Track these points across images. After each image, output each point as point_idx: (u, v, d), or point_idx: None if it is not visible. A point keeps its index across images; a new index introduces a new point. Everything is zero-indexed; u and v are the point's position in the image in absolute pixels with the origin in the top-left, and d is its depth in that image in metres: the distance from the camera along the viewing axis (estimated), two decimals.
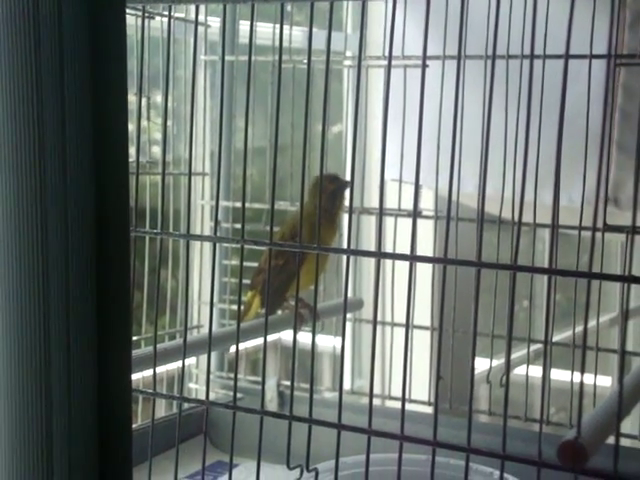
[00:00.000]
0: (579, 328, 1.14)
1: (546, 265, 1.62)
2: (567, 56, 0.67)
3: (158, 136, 1.26)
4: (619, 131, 1.16)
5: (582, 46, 0.99)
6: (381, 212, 0.73)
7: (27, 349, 0.56)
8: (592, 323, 1.15)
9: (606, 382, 1.85)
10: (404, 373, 0.71)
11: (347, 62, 1.33)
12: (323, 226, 0.86)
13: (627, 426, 1.12)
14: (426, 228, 1.24)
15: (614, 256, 1.82)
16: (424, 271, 0.72)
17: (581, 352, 0.67)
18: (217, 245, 1.02)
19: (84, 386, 0.57)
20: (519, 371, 1.19)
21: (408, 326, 0.70)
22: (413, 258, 0.70)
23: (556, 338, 1.43)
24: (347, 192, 1.12)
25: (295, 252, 1.00)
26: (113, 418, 0.59)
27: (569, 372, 1.08)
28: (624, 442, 0.99)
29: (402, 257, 0.71)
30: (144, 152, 1.12)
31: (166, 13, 1.06)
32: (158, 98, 1.25)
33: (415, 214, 0.71)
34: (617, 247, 1.70)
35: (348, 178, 1.35)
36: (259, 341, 1.04)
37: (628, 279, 0.62)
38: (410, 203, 1.26)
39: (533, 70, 0.68)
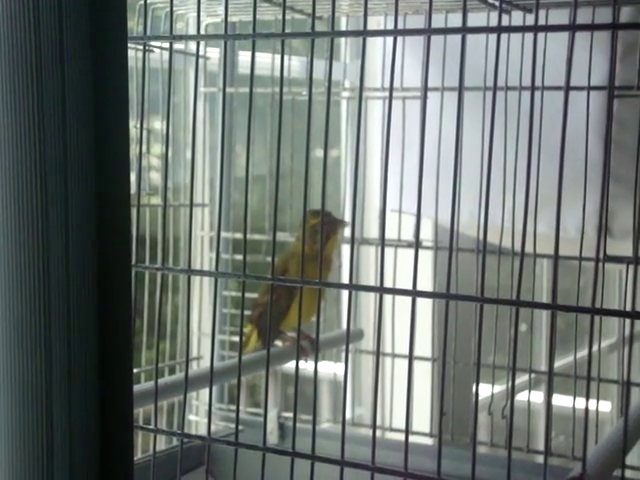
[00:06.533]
0: (580, 354, 1.14)
1: (545, 292, 1.60)
2: (567, 88, 0.67)
3: (154, 161, 1.26)
4: (613, 161, 1.16)
5: (579, 77, 0.99)
6: (382, 246, 0.73)
7: (29, 386, 0.56)
8: (593, 349, 1.15)
9: (605, 407, 1.84)
10: (407, 408, 0.71)
11: (345, 94, 1.33)
12: (309, 261, 0.86)
13: (629, 458, 1.11)
14: (425, 258, 1.24)
15: (612, 285, 1.81)
16: (424, 300, 0.72)
17: (581, 379, 0.67)
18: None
19: (86, 423, 0.56)
20: (520, 397, 1.19)
21: (411, 362, 0.70)
22: (415, 293, 0.70)
23: (557, 364, 1.42)
24: (340, 227, 1.12)
25: (284, 287, 1.00)
26: (115, 455, 0.59)
27: (568, 397, 1.07)
28: (628, 473, 0.99)
29: (404, 292, 0.71)
30: (143, 180, 1.12)
31: (165, 46, 1.07)
32: (154, 124, 1.25)
33: (417, 249, 0.71)
34: (615, 276, 1.69)
35: (346, 213, 1.36)
36: None
37: (632, 315, 0.61)
38: (409, 233, 1.27)
39: (534, 102, 0.68)
